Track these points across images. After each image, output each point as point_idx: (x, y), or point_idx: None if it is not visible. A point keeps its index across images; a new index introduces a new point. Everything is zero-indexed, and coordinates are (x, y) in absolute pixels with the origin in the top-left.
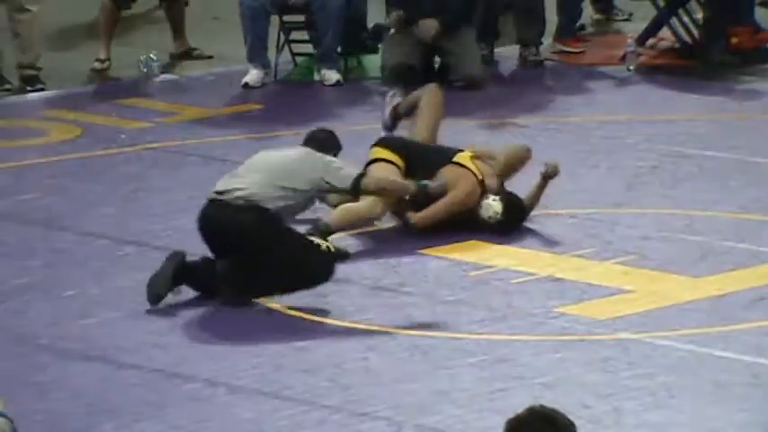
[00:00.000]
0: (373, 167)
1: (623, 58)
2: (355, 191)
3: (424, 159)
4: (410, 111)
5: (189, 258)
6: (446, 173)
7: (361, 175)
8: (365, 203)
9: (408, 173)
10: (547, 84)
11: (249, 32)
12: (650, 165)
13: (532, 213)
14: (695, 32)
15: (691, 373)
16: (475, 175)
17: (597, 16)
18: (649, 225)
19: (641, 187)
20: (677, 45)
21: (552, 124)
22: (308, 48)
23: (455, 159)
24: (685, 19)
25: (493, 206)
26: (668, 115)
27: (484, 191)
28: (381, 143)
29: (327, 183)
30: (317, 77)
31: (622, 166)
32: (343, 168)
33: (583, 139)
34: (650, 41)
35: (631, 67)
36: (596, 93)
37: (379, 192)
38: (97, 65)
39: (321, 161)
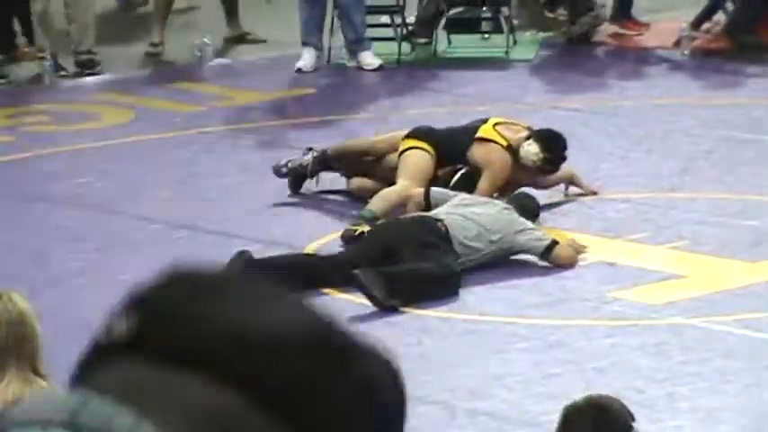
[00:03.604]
0: (405, 155)
1: (678, 43)
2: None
3: (452, 143)
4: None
5: (256, 255)
6: (474, 154)
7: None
8: (398, 186)
9: (441, 159)
10: (601, 67)
11: (305, 12)
12: (705, 149)
13: (587, 198)
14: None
15: (745, 358)
16: (500, 144)
17: None
18: (704, 209)
19: (696, 171)
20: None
21: (606, 108)
22: None
23: (479, 135)
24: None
25: (530, 150)
26: (723, 99)
27: (515, 153)
28: (410, 135)
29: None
30: (350, 64)
31: (677, 150)
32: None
33: (637, 123)
34: (705, 25)
35: (686, 51)
36: (651, 76)
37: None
38: (151, 49)
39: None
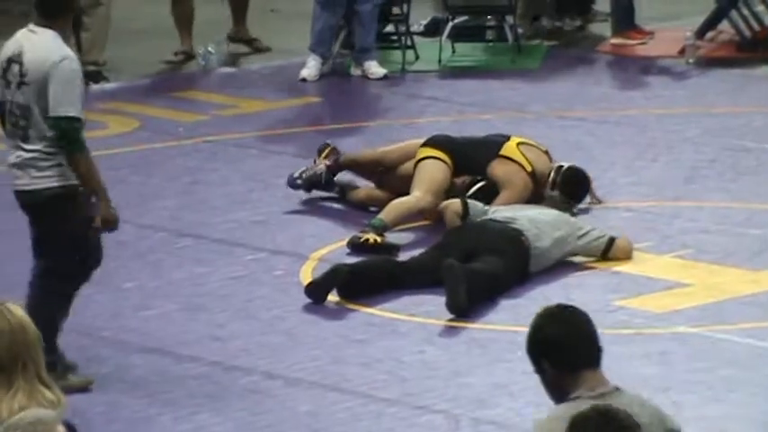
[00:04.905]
0: (422, 165)
1: (682, 51)
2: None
3: (470, 155)
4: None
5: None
6: (496, 171)
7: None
8: (411, 197)
9: (457, 170)
10: (606, 76)
11: (321, 21)
12: (709, 158)
13: (592, 207)
14: (755, 25)
15: (749, 367)
16: (524, 167)
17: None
18: (708, 218)
19: (700, 180)
20: (737, 38)
21: (611, 117)
22: None
23: (502, 152)
24: (745, 12)
25: (554, 197)
26: (727, 108)
27: (536, 180)
28: (428, 143)
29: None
30: (355, 72)
31: (681, 159)
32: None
33: (641, 132)
34: (710, 34)
35: (691, 60)
36: (655, 86)
37: None
38: (178, 57)
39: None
